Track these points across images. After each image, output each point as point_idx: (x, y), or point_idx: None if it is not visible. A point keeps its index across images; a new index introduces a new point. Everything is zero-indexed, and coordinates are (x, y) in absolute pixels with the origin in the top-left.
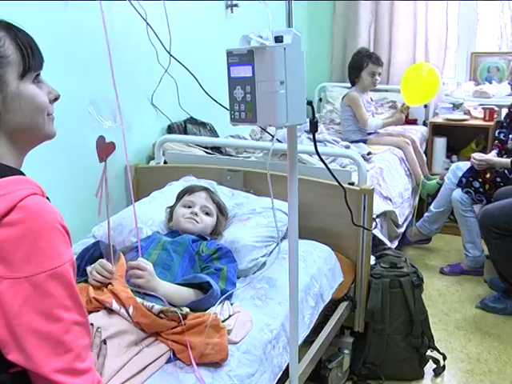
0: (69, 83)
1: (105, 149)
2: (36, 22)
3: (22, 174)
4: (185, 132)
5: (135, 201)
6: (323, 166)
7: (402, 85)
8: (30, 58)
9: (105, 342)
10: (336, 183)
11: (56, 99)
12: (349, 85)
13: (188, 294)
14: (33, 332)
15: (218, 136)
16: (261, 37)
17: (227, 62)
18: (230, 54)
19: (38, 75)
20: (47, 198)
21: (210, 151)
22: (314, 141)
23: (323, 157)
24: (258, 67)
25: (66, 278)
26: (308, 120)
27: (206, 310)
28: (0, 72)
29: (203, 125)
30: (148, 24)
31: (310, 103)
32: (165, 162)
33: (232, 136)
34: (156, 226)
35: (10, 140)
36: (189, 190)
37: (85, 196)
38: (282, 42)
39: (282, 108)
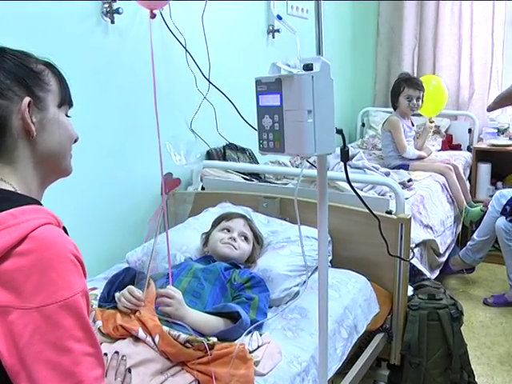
0: (107, 109)
1: (171, 183)
2: (76, 48)
3: (39, 203)
4: (224, 158)
5: (171, 227)
6: (361, 193)
7: None
8: (67, 93)
9: (130, 370)
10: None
11: (76, 140)
12: (392, 110)
13: (217, 323)
14: (42, 363)
15: (258, 162)
16: (288, 65)
17: (256, 91)
18: (258, 82)
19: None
20: (64, 228)
21: (248, 177)
22: (345, 169)
23: (361, 184)
24: (285, 96)
25: (77, 309)
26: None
27: (234, 340)
28: (42, 95)
29: (242, 150)
30: (187, 51)
31: (340, 132)
32: (202, 188)
33: (272, 162)
34: (190, 252)
35: (34, 165)
36: (227, 217)
37: (121, 221)
38: (311, 69)
39: (309, 137)
